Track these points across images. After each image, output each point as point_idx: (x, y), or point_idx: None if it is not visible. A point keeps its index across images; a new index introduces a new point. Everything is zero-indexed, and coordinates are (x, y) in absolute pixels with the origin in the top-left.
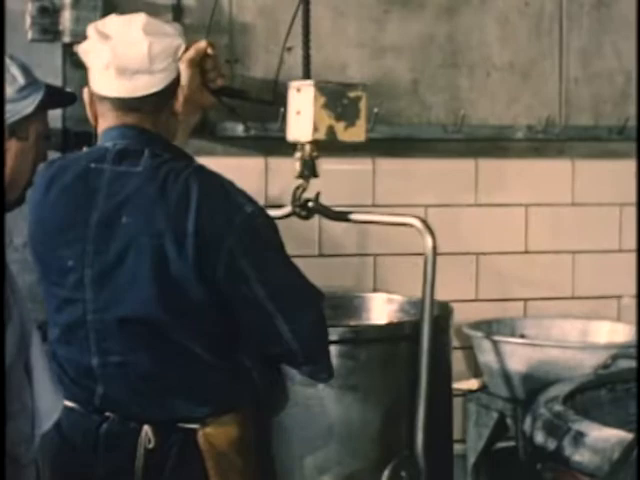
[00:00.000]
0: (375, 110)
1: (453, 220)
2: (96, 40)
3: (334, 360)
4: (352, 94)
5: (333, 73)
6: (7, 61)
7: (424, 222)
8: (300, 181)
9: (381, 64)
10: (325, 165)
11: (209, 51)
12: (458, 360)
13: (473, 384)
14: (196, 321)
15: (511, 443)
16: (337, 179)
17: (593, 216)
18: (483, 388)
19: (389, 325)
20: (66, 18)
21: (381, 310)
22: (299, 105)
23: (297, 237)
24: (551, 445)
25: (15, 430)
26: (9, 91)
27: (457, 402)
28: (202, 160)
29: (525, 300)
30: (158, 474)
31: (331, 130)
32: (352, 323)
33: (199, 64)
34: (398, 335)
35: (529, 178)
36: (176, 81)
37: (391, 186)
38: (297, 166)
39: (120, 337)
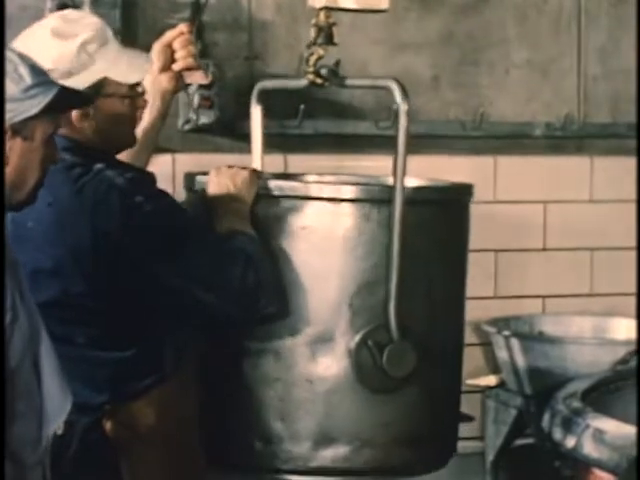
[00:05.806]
0: (394, 106)
1: (471, 217)
2: None
3: (314, 216)
4: None
5: (353, 70)
6: (16, 60)
7: (400, 84)
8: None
9: (401, 61)
10: (345, 162)
11: (182, 30)
12: (476, 357)
13: (491, 380)
14: (84, 320)
15: (530, 440)
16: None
17: (611, 213)
18: (501, 385)
19: (369, 187)
20: None
21: None
22: None
23: None
24: (570, 442)
25: (21, 431)
26: (15, 90)
27: (475, 399)
28: (221, 158)
29: (543, 297)
30: (61, 460)
31: None
32: None
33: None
34: (377, 198)
35: (547, 175)
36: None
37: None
38: (312, 33)
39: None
